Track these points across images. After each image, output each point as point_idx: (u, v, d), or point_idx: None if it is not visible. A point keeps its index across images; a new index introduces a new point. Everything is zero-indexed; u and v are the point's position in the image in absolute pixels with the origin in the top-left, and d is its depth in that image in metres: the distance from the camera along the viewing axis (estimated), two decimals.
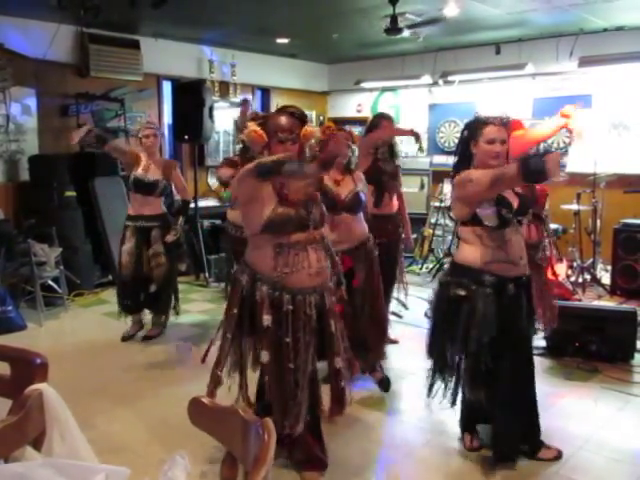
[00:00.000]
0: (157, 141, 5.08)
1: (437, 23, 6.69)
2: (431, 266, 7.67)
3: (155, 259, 4.95)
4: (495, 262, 2.95)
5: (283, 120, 2.81)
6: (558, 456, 3.19)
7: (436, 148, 8.87)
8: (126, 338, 5.21)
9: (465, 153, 3.05)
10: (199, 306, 6.30)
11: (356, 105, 10.00)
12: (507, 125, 3.00)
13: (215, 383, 2.88)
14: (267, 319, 2.75)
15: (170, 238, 4.98)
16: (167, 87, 8.21)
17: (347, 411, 3.05)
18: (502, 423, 3.05)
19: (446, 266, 3.07)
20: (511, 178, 2.63)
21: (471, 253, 2.99)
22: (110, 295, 6.57)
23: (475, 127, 3.01)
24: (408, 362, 4.54)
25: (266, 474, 1.09)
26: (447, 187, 8.05)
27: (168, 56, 7.92)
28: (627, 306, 5.43)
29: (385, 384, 4.07)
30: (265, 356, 2.76)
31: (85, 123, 5.08)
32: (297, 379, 2.77)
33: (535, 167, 2.42)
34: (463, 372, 3.07)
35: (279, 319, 2.75)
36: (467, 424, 3.32)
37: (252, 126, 2.78)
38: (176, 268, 5.25)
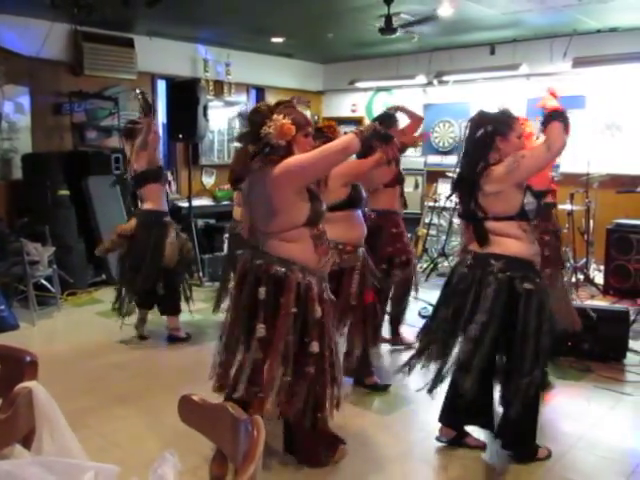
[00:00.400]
0: None
1: (430, 22, 6.69)
2: (425, 266, 7.67)
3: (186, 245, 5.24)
4: (537, 256, 3.09)
5: (307, 115, 2.89)
6: (549, 455, 3.20)
7: (431, 148, 8.88)
8: (143, 337, 5.20)
9: (489, 148, 3.04)
10: (193, 306, 6.27)
11: (351, 105, 10.01)
12: None
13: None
14: (318, 310, 2.82)
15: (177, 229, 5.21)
16: (162, 86, 8.19)
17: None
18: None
19: (494, 262, 2.97)
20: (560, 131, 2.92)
21: (523, 248, 3.01)
22: (104, 294, 6.57)
23: (505, 122, 3.07)
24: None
25: (255, 471, 1.09)
26: (441, 187, 8.07)
27: (163, 55, 7.90)
28: (619, 306, 5.45)
29: (379, 389, 4.09)
30: (315, 347, 2.79)
31: None
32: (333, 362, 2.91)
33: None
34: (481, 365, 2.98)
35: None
36: (448, 417, 3.31)
37: (281, 119, 2.75)
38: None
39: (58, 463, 1.35)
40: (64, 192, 6.68)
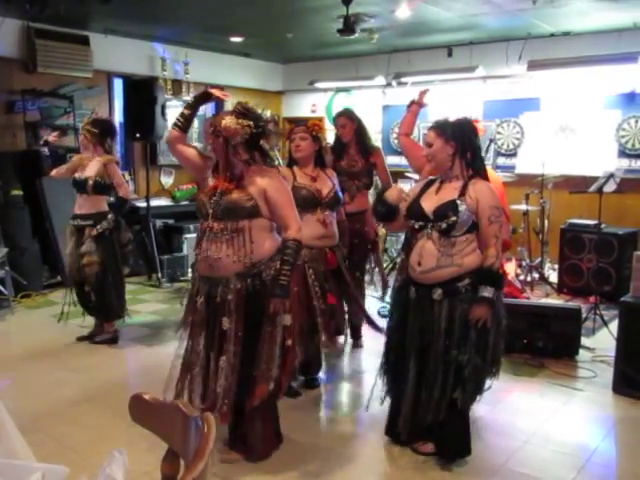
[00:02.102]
0: (92, 140, 4.90)
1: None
2: (384, 265, 7.71)
3: (84, 258, 4.80)
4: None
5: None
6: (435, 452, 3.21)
7: (390, 149, 8.94)
8: (81, 338, 5.10)
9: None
10: (151, 307, 6.21)
11: (311, 105, 10.02)
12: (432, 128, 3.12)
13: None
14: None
15: (92, 232, 4.81)
16: (118, 84, 8.06)
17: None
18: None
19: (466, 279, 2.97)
20: None
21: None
22: (59, 296, 6.43)
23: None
24: (363, 360, 4.58)
25: (205, 467, 1.08)
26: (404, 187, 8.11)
27: (119, 53, 7.79)
28: (572, 304, 5.57)
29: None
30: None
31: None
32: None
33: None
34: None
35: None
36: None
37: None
38: (118, 269, 5.03)
39: (4, 465, 1.32)
40: (17, 192, 6.54)
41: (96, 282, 4.85)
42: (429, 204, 3.02)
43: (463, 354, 2.92)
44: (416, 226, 3.03)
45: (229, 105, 3.10)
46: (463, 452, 3.14)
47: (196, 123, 8.65)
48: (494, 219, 2.94)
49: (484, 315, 2.91)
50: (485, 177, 3.08)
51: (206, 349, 3.00)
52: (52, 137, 4.87)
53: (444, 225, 2.93)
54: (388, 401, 3.28)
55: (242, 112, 2.95)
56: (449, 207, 2.94)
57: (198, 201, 3.07)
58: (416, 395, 3.05)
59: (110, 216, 4.92)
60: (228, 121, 2.89)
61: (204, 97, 3.22)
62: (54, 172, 5.18)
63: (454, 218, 2.92)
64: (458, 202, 2.94)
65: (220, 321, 2.94)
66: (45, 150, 4.82)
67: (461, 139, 3.00)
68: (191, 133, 8.72)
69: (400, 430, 3.17)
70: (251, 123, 2.93)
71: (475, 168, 3.06)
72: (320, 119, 9.55)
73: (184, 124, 3.13)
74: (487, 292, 2.89)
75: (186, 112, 3.14)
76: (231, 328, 2.91)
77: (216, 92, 3.18)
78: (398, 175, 8.29)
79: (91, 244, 4.81)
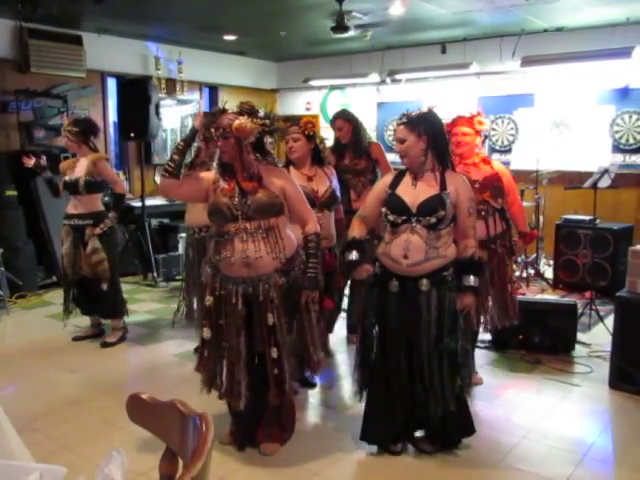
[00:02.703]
0: (75, 139, 4.87)
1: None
2: None
3: (94, 256, 4.80)
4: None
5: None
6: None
7: (385, 146, 8.88)
8: (76, 338, 5.09)
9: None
10: (146, 306, 6.20)
11: (305, 103, 10.01)
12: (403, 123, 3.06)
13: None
14: None
15: (96, 230, 4.80)
16: (112, 84, 8.05)
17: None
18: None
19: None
20: None
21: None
22: (54, 296, 6.43)
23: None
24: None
25: (204, 466, 1.08)
26: None
27: (112, 52, 7.77)
28: (568, 299, 5.58)
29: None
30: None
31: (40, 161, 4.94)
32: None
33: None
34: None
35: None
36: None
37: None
38: (116, 269, 5.04)
39: (1, 465, 1.31)
40: (11, 192, 6.52)
41: (98, 283, 4.86)
42: (410, 198, 3.00)
43: (455, 341, 2.98)
44: (399, 220, 3.00)
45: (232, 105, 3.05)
46: (469, 432, 3.22)
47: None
48: (472, 211, 3.06)
49: (471, 304, 3.01)
50: (453, 168, 3.16)
51: (248, 347, 3.02)
52: (29, 161, 4.88)
53: (433, 219, 2.95)
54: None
55: (251, 112, 2.96)
56: (437, 201, 2.96)
57: (218, 204, 2.98)
58: (410, 390, 3.06)
59: (112, 214, 4.92)
60: (243, 121, 2.89)
61: (193, 138, 3.06)
62: (62, 192, 5.13)
63: (443, 212, 2.95)
64: (444, 196, 2.97)
65: (265, 317, 2.97)
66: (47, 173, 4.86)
67: (432, 132, 3.00)
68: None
69: (397, 429, 3.18)
70: (266, 122, 2.97)
71: (445, 160, 3.07)
72: (315, 117, 9.60)
73: (175, 170, 2.98)
74: (472, 281, 2.98)
75: (176, 157, 2.98)
76: (277, 322, 2.98)
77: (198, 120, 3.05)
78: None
79: (96, 242, 4.82)
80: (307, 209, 3.13)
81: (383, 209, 3.08)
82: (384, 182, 3.18)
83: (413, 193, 3.02)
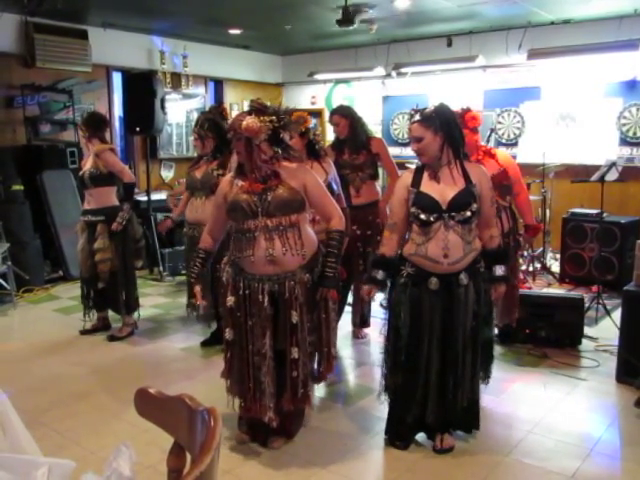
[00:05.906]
0: (84, 134, 4.93)
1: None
2: None
3: (98, 255, 4.79)
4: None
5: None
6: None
7: (390, 139, 8.92)
8: (84, 332, 5.10)
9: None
10: (153, 300, 6.21)
11: (310, 97, 9.99)
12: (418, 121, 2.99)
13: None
14: None
15: (114, 227, 4.78)
16: (117, 78, 8.04)
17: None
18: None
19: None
20: None
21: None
22: (61, 291, 6.46)
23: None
24: (365, 352, 4.58)
25: (212, 461, 1.08)
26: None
27: (118, 47, 7.76)
28: (575, 293, 5.57)
29: None
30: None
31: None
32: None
33: None
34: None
35: None
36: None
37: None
38: (130, 264, 5.04)
39: (10, 459, 1.31)
40: (18, 187, 6.53)
41: (110, 278, 4.86)
42: (438, 194, 2.94)
43: (491, 330, 3.15)
44: (431, 218, 2.92)
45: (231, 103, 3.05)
46: (477, 425, 3.27)
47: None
48: (494, 200, 3.12)
49: (504, 293, 3.14)
50: (468, 158, 3.15)
51: (272, 347, 3.00)
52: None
53: (468, 213, 2.91)
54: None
55: (260, 109, 2.95)
56: (469, 195, 2.93)
57: (238, 201, 2.97)
58: (442, 384, 3.05)
59: (125, 205, 4.87)
60: (249, 121, 2.88)
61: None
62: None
63: (476, 205, 2.93)
64: (472, 189, 2.94)
65: (289, 315, 2.96)
66: None
67: (447, 127, 2.94)
68: (189, 130, 8.70)
69: (430, 424, 3.15)
70: (274, 118, 2.94)
71: (460, 152, 3.01)
72: (320, 110, 9.59)
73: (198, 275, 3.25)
74: (503, 270, 3.07)
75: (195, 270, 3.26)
76: (299, 320, 2.97)
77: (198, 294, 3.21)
78: (398, 166, 8.26)
79: (104, 240, 4.80)
80: (330, 202, 3.09)
81: (412, 209, 2.97)
82: (404, 183, 3.07)
83: (438, 189, 2.95)
